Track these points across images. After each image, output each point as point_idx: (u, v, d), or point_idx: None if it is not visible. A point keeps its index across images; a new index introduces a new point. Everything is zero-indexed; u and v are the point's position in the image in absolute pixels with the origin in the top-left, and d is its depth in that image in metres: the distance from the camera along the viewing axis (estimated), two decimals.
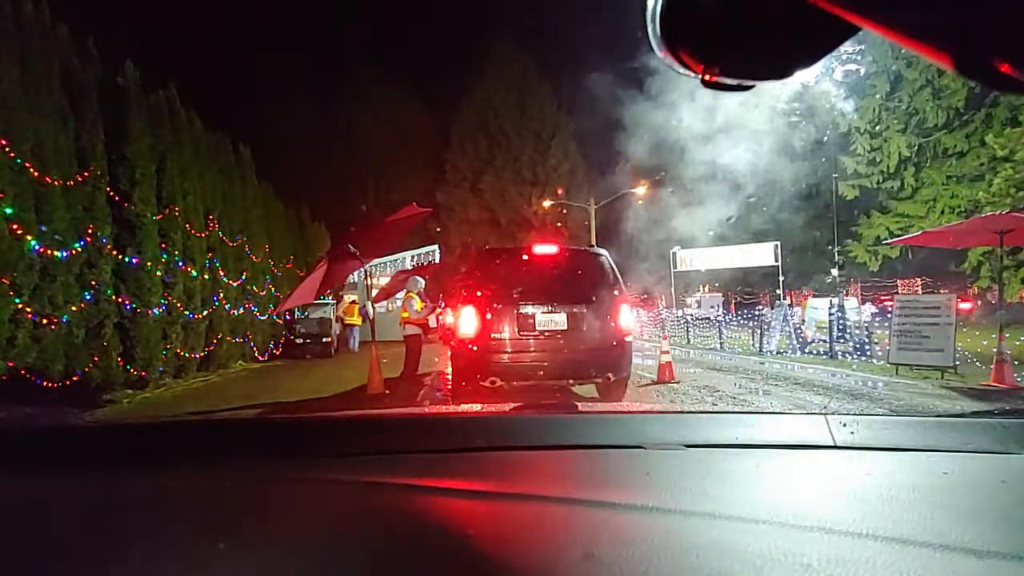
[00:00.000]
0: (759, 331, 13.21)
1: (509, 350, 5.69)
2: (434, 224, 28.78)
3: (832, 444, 0.94)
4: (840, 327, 10.77)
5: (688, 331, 17.43)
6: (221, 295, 11.56)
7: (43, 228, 6.85)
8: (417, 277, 8.02)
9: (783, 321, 12.45)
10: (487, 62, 30.64)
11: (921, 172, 19.67)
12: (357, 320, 16.67)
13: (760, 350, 12.54)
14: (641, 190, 23.96)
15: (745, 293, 26.98)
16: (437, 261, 22.36)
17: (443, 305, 15.46)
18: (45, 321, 6.77)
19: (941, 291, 18.57)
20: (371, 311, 7.92)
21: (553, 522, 0.68)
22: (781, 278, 21.70)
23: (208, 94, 15.59)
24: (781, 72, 0.41)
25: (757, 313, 14.73)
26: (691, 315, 20.46)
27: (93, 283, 7.78)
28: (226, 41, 30.93)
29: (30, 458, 0.90)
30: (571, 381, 6.29)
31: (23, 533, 0.68)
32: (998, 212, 10.96)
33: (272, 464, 0.90)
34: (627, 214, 27.42)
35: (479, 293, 5.82)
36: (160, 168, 9.51)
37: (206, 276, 10.93)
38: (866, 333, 10.54)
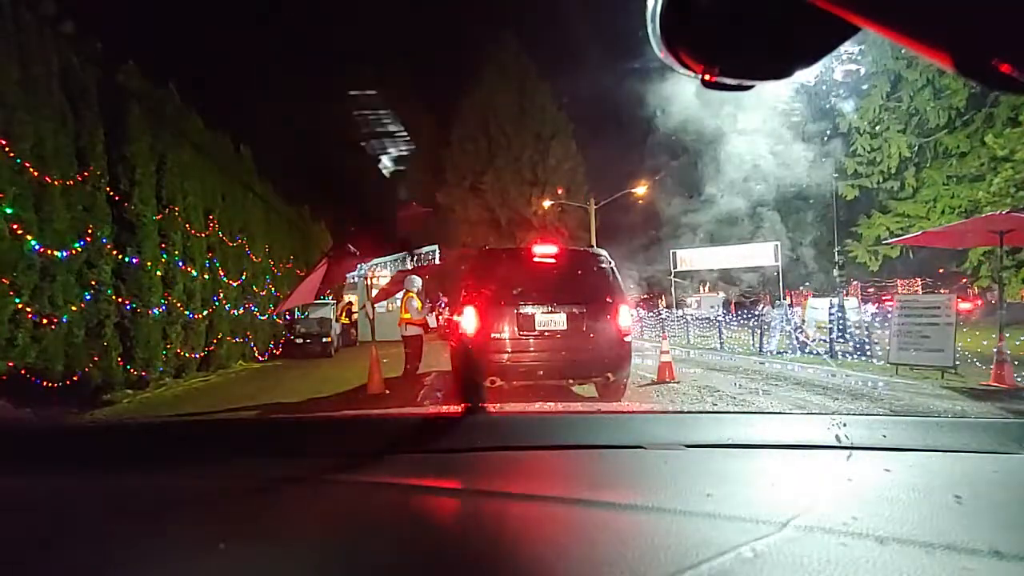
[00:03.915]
0: (759, 331, 13.21)
1: (509, 350, 5.70)
2: (434, 224, 28.78)
3: (832, 444, 0.94)
4: (840, 327, 10.76)
5: (688, 331, 17.43)
6: (221, 295, 11.56)
7: (43, 228, 6.85)
8: (414, 277, 8.01)
9: (783, 321, 12.45)
10: (487, 62, 30.64)
11: (921, 172, 19.65)
12: (344, 320, 17.88)
13: (760, 350, 12.54)
14: (641, 190, 23.96)
15: (745, 293, 26.98)
16: (437, 261, 22.36)
17: (443, 304, 15.49)
18: (45, 321, 6.77)
19: (941, 291, 18.58)
20: (371, 311, 7.92)
21: (553, 522, 0.68)
22: (781, 278, 21.70)
23: (208, 94, 15.60)
24: (781, 72, 0.41)
25: (757, 313, 14.73)
26: (691, 315, 20.47)
27: (93, 283, 7.78)
28: (226, 41, 30.91)
29: (30, 458, 0.90)
30: (571, 381, 6.29)
31: (24, 533, 0.68)
32: (998, 212, 10.96)
33: (272, 464, 0.89)
34: (627, 214, 27.45)
35: (479, 293, 5.82)
36: (160, 168, 9.51)
37: (206, 276, 10.94)
38: (866, 333, 10.54)
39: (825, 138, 20.43)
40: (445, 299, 16.56)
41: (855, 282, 25.24)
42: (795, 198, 21.81)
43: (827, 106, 20.58)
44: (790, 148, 19.98)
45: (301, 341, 14.69)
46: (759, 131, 19.04)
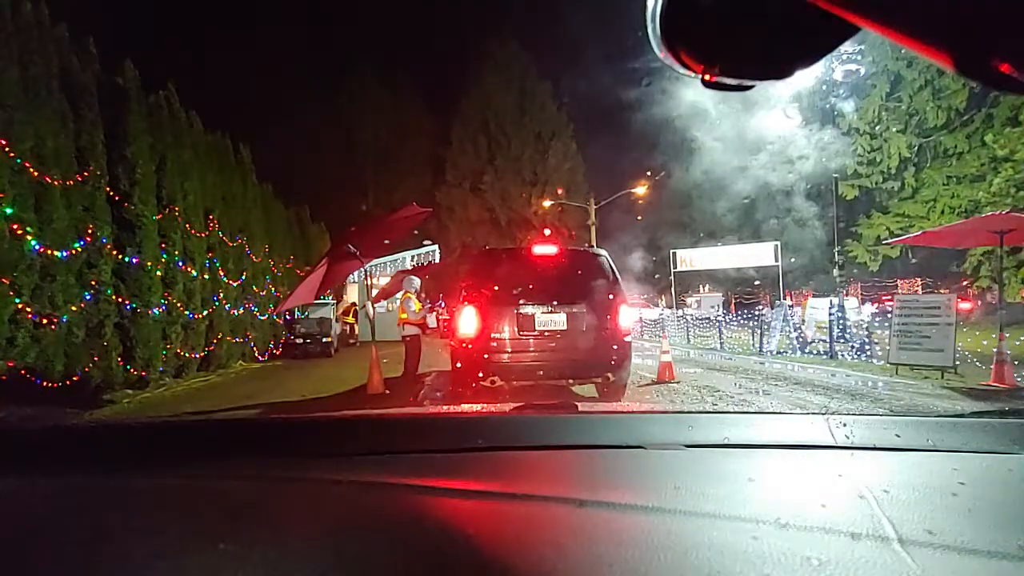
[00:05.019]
0: (759, 331, 13.21)
1: (509, 350, 5.69)
2: (434, 224, 28.79)
3: (832, 444, 0.94)
4: (840, 327, 10.76)
5: (688, 331, 17.43)
6: (221, 295, 11.56)
7: (43, 228, 6.85)
8: (412, 277, 8.00)
9: (783, 321, 12.44)
10: (487, 62, 30.65)
11: (921, 172, 19.67)
12: (350, 320, 18.59)
13: (760, 350, 12.53)
14: (641, 190, 23.97)
15: (745, 293, 27.00)
16: (437, 261, 22.37)
17: (443, 305, 15.50)
18: (45, 321, 6.77)
19: (941, 291, 18.58)
20: (371, 311, 7.92)
21: (553, 522, 0.68)
22: (781, 278, 21.71)
23: (208, 94, 15.61)
24: (781, 72, 0.41)
25: (757, 313, 14.73)
26: (691, 315, 20.47)
27: (93, 283, 7.78)
28: (226, 41, 30.91)
29: (30, 458, 0.90)
30: (571, 381, 6.28)
31: (24, 533, 0.68)
32: (998, 212, 10.96)
33: (272, 464, 0.89)
34: (628, 213, 27.47)
35: (479, 293, 5.82)
36: (160, 168, 9.51)
37: (206, 276, 10.93)
38: (866, 333, 10.54)
39: (825, 138, 20.45)
40: (444, 301, 16.60)
41: (855, 282, 25.24)
42: (795, 198, 21.84)
43: (827, 106, 20.59)
44: (790, 148, 19.99)
45: (301, 341, 14.69)
46: (759, 131, 19.05)
